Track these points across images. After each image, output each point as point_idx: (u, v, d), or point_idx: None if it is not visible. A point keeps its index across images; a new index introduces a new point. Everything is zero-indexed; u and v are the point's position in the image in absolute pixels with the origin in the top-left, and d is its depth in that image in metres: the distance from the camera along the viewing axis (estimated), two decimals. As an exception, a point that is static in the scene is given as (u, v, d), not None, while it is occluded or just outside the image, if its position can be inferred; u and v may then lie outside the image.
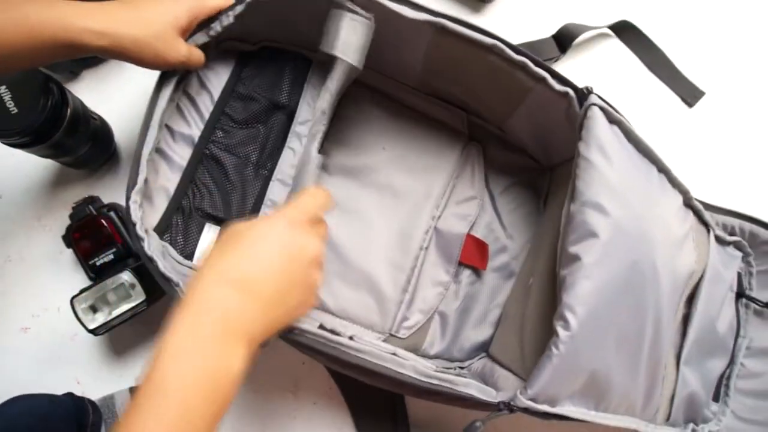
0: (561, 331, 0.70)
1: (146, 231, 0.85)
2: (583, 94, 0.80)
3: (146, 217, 0.91)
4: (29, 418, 0.84)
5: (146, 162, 0.84)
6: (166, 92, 0.87)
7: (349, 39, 0.83)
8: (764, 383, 0.98)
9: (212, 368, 0.58)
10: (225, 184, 1.00)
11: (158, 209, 0.95)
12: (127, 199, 0.82)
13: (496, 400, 0.75)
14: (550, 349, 0.71)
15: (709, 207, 0.97)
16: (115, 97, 1.09)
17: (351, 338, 0.78)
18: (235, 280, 0.63)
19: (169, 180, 0.96)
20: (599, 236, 0.72)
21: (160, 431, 0.54)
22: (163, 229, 0.95)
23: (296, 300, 0.69)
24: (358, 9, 0.82)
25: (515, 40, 0.83)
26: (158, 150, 0.93)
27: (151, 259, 0.79)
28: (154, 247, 0.81)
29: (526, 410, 0.73)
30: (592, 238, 0.73)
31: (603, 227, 0.73)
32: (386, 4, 0.82)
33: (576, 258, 0.73)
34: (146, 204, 0.92)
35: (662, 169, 0.86)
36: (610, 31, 1.19)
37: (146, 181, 0.88)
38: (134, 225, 0.81)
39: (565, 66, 0.97)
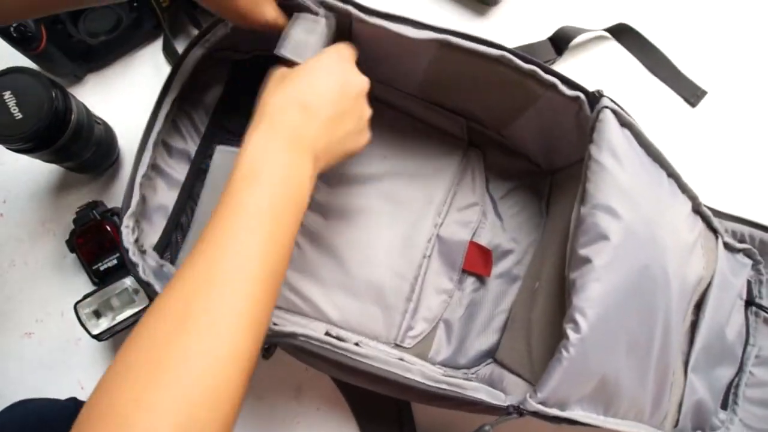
0: (571, 334, 0.70)
1: (145, 251, 0.86)
2: (594, 98, 0.79)
3: (146, 236, 0.93)
4: (31, 422, 0.84)
5: (139, 185, 0.84)
6: (163, 113, 0.87)
7: (300, 38, 0.80)
8: (773, 392, 0.98)
9: (288, 172, 0.67)
10: (225, 199, 0.99)
11: (157, 228, 0.96)
12: (117, 226, 0.82)
13: (506, 404, 0.74)
14: (560, 352, 0.70)
15: (718, 213, 0.97)
16: (119, 101, 1.09)
17: (357, 344, 0.78)
18: (298, 103, 0.70)
19: (167, 197, 0.97)
20: (610, 239, 0.72)
21: (257, 213, 0.63)
22: (163, 247, 0.95)
23: (350, 127, 0.76)
24: (312, 6, 0.80)
25: (518, 44, 0.82)
26: (155, 167, 0.94)
27: (147, 284, 0.80)
28: (150, 269, 0.81)
29: (536, 414, 0.72)
30: (603, 241, 0.72)
31: (614, 230, 0.72)
32: (388, 27, 0.81)
33: (586, 260, 0.72)
34: (145, 223, 0.93)
35: (672, 174, 0.85)
36: (606, 34, 1.19)
37: (144, 199, 0.89)
38: (127, 251, 0.81)
39: (562, 68, 0.96)
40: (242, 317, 0.58)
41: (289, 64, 0.77)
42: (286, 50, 0.78)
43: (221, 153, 0.77)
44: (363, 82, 0.78)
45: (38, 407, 0.87)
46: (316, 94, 0.72)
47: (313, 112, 0.71)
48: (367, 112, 0.80)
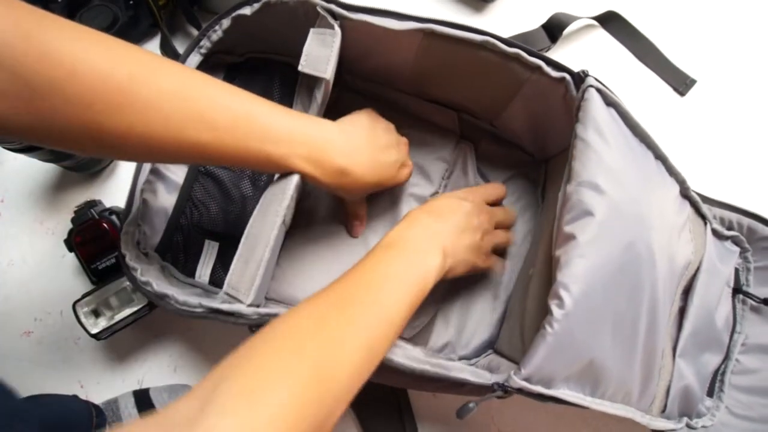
0: (555, 310, 0.70)
1: (147, 253, 0.87)
2: (580, 78, 0.80)
3: (148, 238, 0.94)
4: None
5: (140, 193, 0.87)
6: None
7: (314, 52, 0.84)
8: (759, 380, 0.97)
9: (421, 259, 0.78)
10: (224, 200, 1.01)
11: (158, 230, 0.97)
12: (117, 228, 0.84)
13: (490, 382, 0.74)
14: (544, 327, 0.70)
15: (706, 200, 0.97)
16: (118, 98, 1.09)
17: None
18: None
19: (167, 200, 0.98)
20: (595, 215, 0.72)
21: (390, 276, 0.74)
22: (164, 248, 0.97)
23: (471, 241, 0.88)
24: (329, 20, 0.83)
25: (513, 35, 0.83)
26: (155, 171, 0.95)
27: (146, 283, 0.81)
28: (149, 270, 0.83)
29: (521, 391, 0.72)
30: (587, 217, 0.73)
31: (599, 206, 0.73)
32: (372, 22, 0.83)
33: (571, 237, 0.72)
34: (146, 226, 0.94)
35: (659, 156, 0.86)
36: (595, 22, 1.21)
37: (145, 203, 0.90)
38: (124, 257, 0.83)
39: (556, 56, 0.97)
40: (363, 350, 0.66)
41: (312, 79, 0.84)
42: (305, 67, 0.83)
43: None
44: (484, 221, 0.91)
45: (57, 410, 0.88)
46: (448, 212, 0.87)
47: (442, 218, 0.85)
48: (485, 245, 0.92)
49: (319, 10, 0.83)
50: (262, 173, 1.01)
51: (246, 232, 0.79)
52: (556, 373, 0.73)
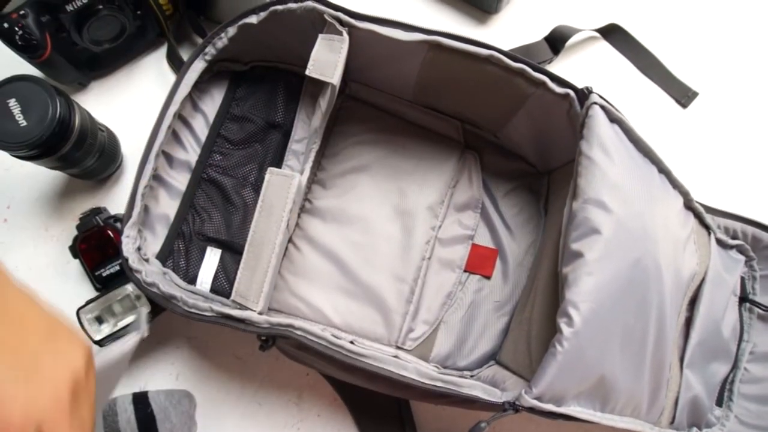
0: (565, 328, 0.70)
1: (148, 259, 0.88)
2: (584, 94, 0.80)
3: (148, 245, 0.94)
4: None
5: (141, 196, 0.86)
6: (165, 125, 0.89)
7: (322, 57, 0.84)
8: (768, 388, 0.98)
9: None
10: (226, 207, 1.01)
11: (159, 236, 0.97)
12: (120, 233, 0.84)
13: (501, 400, 0.74)
14: (554, 346, 0.70)
15: (710, 210, 0.97)
16: (123, 108, 1.09)
17: (351, 342, 0.78)
18: None
19: (168, 206, 0.98)
20: (602, 233, 0.72)
21: None
22: (165, 255, 0.97)
23: None
24: (337, 26, 0.84)
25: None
26: (157, 177, 0.95)
27: (152, 284, 0.82)
28: (152, 275, 0.83)
29: (532, 410, 0.73)
30: (594, 235, 0.73)
31: (605, 224, 0.73)
32: (378, 31, 0.83)
33: (578, 255, 0.73)
34: (148, 232, 0.95)
35: (663, 170, 0.86)
36: (598, 35, 1.21)
37: (147, 209, 0.91)
38: (126, 260, 0.83)
39: (559, 68, 0.97)
40: None
41: (317, 87, 0.82)
42: (312, 72, 0.84)
43: (273, 174, 0.80)
44: None
45: None
46: None
47: None
48: None
49: (327, 17, 0.84)
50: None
51: (249, 238, 0.80)
52: (567, 390, 0.74)
